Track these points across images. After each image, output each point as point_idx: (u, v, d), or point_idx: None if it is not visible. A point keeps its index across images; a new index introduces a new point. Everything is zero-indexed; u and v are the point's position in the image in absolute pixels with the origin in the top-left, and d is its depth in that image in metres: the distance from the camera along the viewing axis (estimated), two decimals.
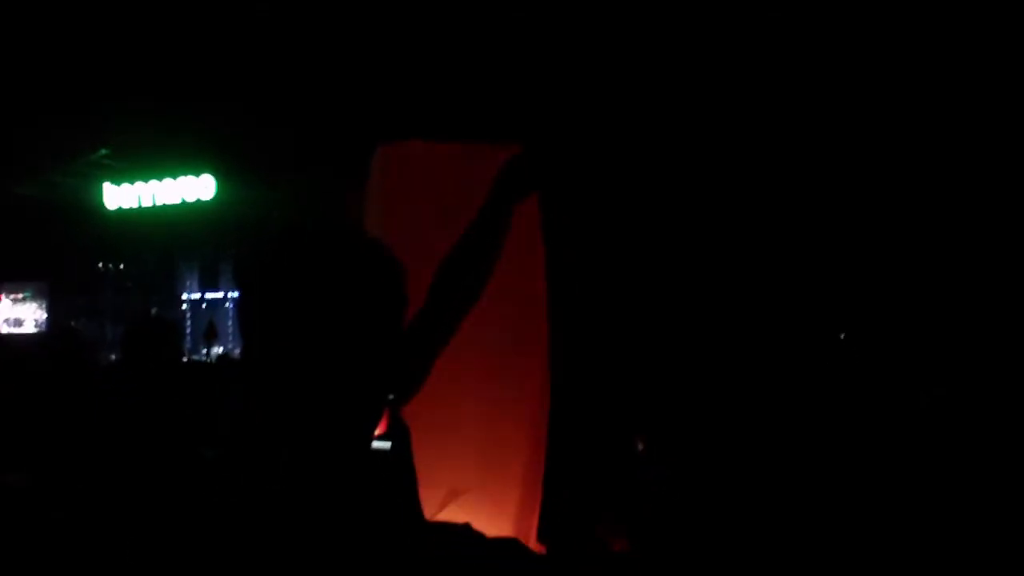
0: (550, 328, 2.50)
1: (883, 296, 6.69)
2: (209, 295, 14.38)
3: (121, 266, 14.60)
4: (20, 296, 14.42)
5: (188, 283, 14.81)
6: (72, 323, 12.46)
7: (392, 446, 1.55)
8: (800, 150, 6.62)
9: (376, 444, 1.52)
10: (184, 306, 14.70)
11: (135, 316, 11.48)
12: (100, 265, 14.49)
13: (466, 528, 1.10)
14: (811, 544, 3.08)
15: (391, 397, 1.49)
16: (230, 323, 13.14)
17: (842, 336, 7.36)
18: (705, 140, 6.23)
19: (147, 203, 12.70)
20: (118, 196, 12.83)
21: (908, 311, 6.38)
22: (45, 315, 14.20)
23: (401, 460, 1.58)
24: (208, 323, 12.80)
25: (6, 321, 14.27)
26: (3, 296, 14.42)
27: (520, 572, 1.03)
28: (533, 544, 2.24)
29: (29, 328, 13.92)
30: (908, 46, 6.22)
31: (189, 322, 14.25)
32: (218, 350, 12.37)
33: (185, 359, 11.07)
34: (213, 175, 12.19)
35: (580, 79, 5.92)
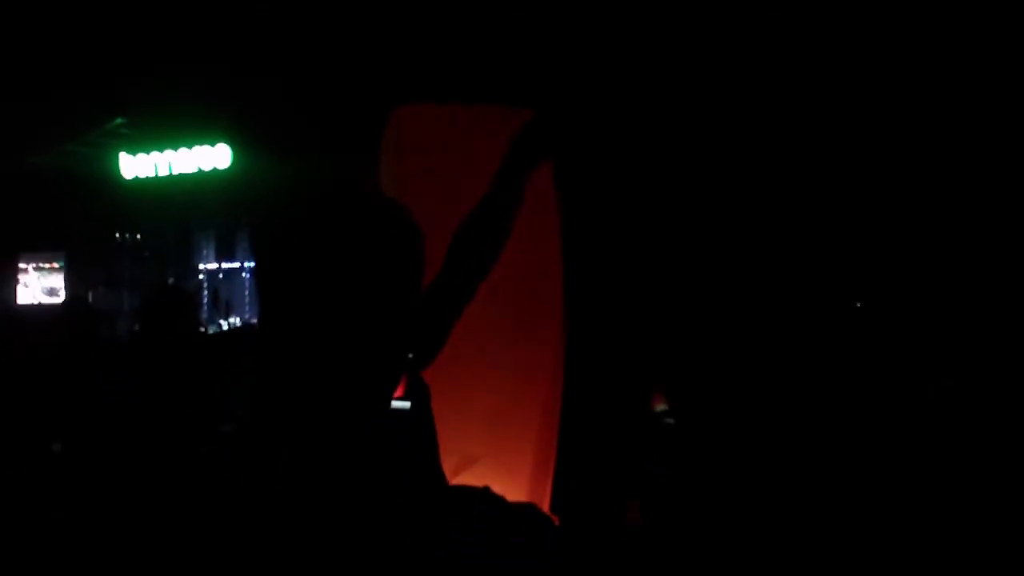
0: (565, 297, 2.49)
1: (895, 281, 6.66)
2: (226, 265, 14.42)
3: (138, 236, 14.64)
4: (56, 265, 14.46)
5: (204, 253, 14.84)
6: (90, 294, 12.54)
7: (412, 406, 1.54)
8: (823, 121, 6.57)
9: (396, 404, 1.51)
10: (201, 276, 14.74)
11: (152, 287, 11.53)
12: (117, 235, 14.53)
13: (485, 491, 1.10)
14: (822, 536, 3.07)
15: (410, 356, 1.49)
16: (247, 293, 13.19)
17: (858, 304, 7.32)
18: (723, 108, 6.18)
19: (163, 172, 12.70)
20: (134, 165, 12.84)
21: (919, 298, 6.35)
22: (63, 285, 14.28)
23: (421, 420, 1.58)
24: (213, 292, 12.85)
25: (41, 290, 14.31)
26: (29, 267, 14.47)
27: (536, 541, 1.03)
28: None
29: (63, 297, 13.99)
30: (915, 32, 6.17)
31: (206, 292, 14.29)
32: (235, 320, 12.43)
33: (202, 329, 11.14)
34: (229, 144, 12.17)
35: (596, 45, 5.87)
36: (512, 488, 2.19)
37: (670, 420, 3.53)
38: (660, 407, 3.63)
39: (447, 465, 2.05)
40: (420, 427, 1.60)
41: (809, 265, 6.29)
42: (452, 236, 1.79)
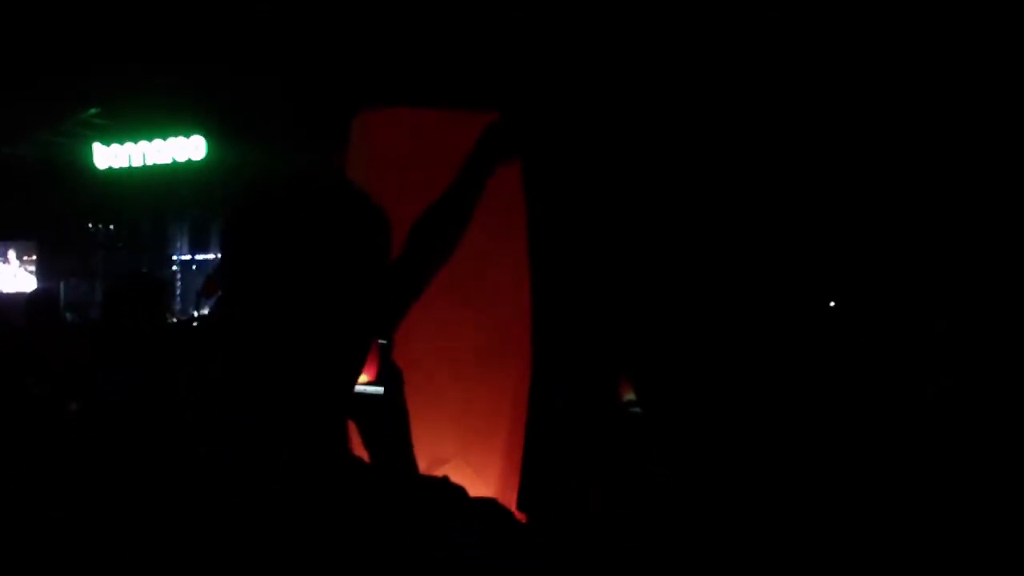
0: (532, 298, 2.53)
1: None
2: (199, 256, 14.37)
3: (111, 226, 14.55)
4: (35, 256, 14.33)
5: (178, 244, 14.78)
6: (62, 284, 12.47)
7: (385, 391, 1.58)
8: (791, 115, 6.59)
9: (369, 389, 1.55)
10: (175, 267, 14.68)
11: (120, 275, 11.44)
12: (90, 225, 14.43)
13: (444, 481, 1.12)
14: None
15: (383, 342, 1.53)
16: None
17: (832, 303, 7.36)
18: (689, 105, 6.21)
19: (137, 163, 12.62)
20: (108, 156, 12.75)
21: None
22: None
23: (394, 404, 1.61)
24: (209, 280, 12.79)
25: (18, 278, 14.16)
26: (10, 254, 14.32)
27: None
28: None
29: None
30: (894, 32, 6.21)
31: (180, 283, 14.24)
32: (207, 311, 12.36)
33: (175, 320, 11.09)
34: (204, 136, 12.13)
35: (563, 47, 5.90)
36: (480, 490, 2.24)
37: (636, 409, 3.54)
38: (627, 396, 3.64)
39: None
40: (393, 412, 1.63)
41: (776, 260, 6.34)
42: (411, 227, 1.84)
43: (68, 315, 11.40)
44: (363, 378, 1.49)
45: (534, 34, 5.91)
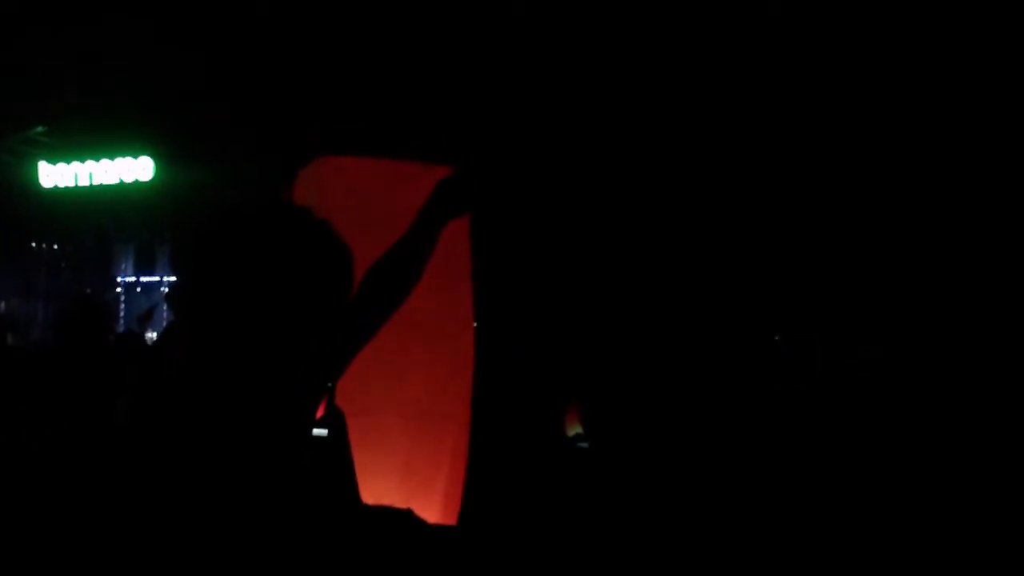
0: (477, 346, 2.55)
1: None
2: (144, 278, 14.19)
3: (55, 246, 14.35)
4: None
5: (123, 265, 14.61)
6: (2, 303, 12.27)
7: (328, 433, 1.59)
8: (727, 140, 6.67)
9: (314, 432, 1.55)
10: (119, 288, 14.49)
11: (69, 299, 11.27)
12: (34, 244, 14.23)
13: (408, 514, 1.13)
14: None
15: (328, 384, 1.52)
16: (164, 307, 13.00)
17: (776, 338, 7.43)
18: (633, 148, 6.29)
19: (84, 183, 12.46)
20: (53, 175, 12.58)
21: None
22: None
23: (338, 446, 1.62)
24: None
25: None
26: None
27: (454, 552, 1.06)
28: None
29: None
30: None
31: (124, 305, 14.07)
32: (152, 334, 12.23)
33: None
34: (152, 157, 12.00)
35: (515, 101, 5.96)
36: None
37: (584, 444, 3.57)
38: (574, 431, 3.66)
39: None
40: (337, 452, 1.63)
41: (718, 296, 6.40)
42: (362, 277, 1.84)
43: (8, 337, 11.20)
44: None
45: (489, 93, 5.96)
